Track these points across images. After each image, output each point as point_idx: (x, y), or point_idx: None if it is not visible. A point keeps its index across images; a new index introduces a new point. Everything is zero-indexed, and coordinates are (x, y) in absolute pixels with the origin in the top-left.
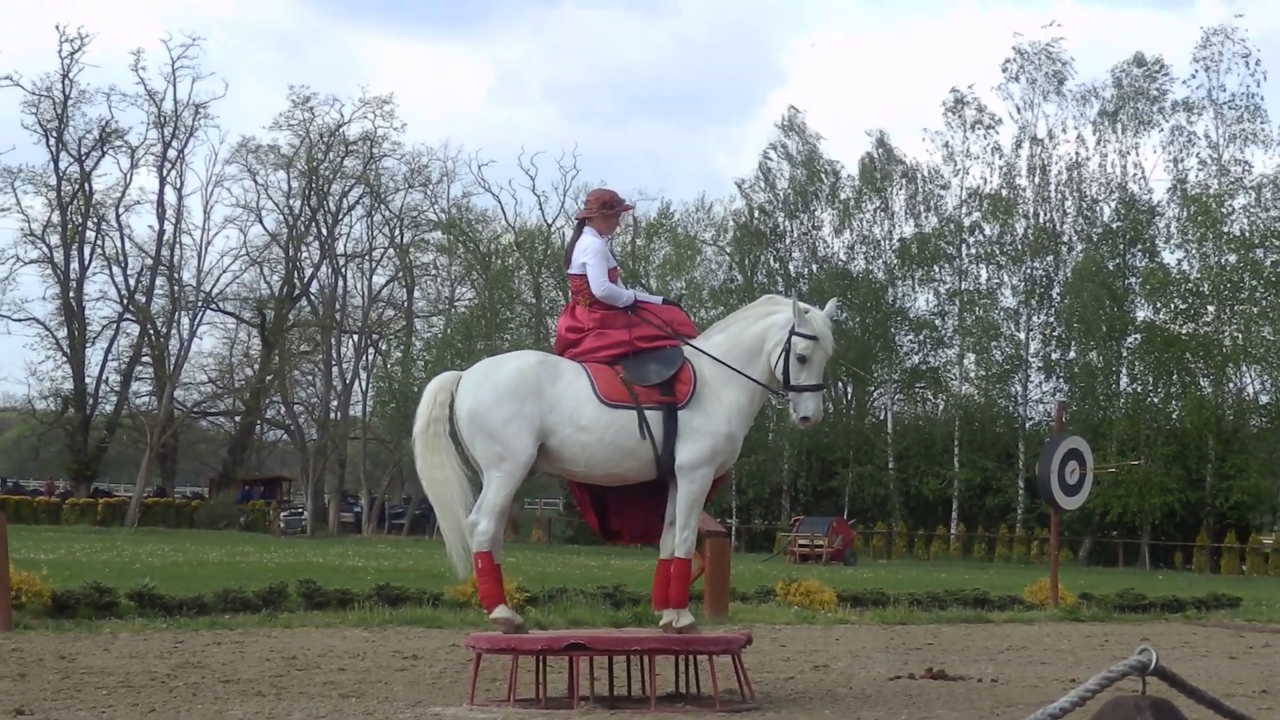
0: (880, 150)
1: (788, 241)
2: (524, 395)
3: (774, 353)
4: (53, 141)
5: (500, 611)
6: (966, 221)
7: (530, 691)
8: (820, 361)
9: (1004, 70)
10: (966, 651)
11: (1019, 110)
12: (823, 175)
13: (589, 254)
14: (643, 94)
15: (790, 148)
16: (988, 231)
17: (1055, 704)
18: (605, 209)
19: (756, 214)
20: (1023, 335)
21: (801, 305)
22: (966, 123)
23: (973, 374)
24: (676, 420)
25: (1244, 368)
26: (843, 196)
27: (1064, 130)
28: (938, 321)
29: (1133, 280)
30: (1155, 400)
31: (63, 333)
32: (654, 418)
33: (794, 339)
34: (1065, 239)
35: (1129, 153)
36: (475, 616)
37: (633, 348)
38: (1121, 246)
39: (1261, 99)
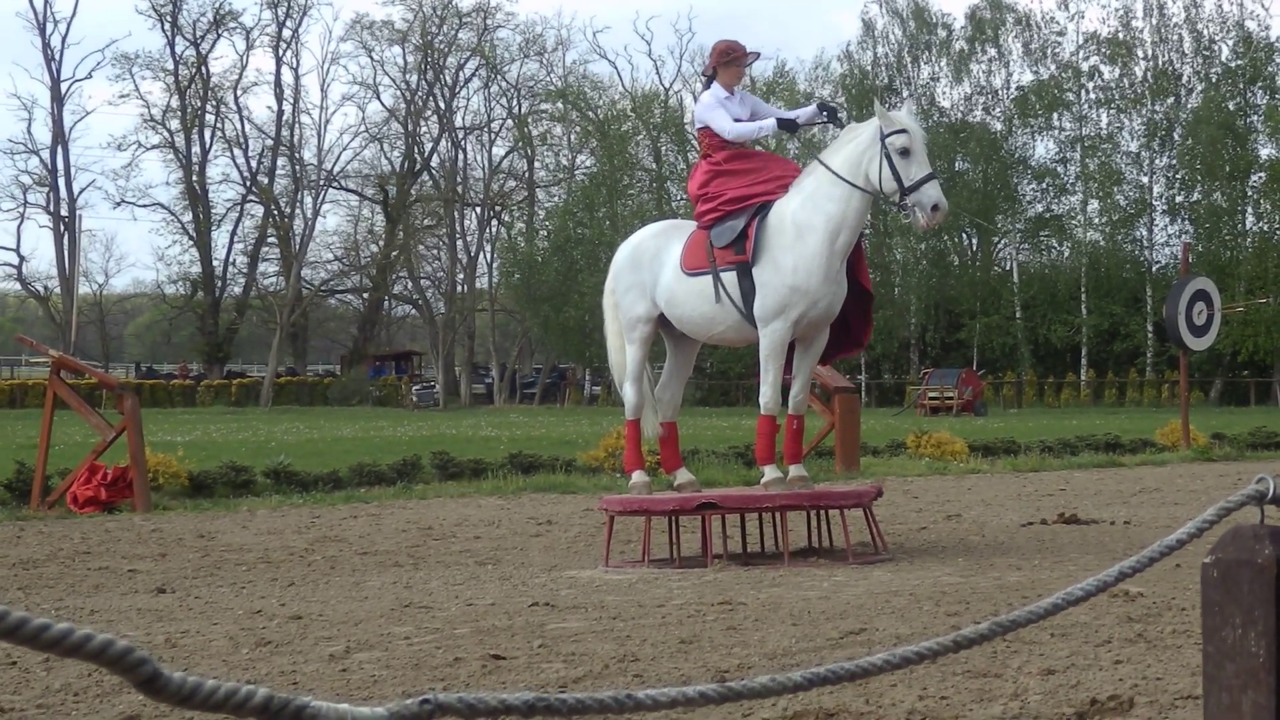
0: (988, 1)
1: (905, 95)
2: (639, 265)
3: (872, 167)
4: (168, 26)
5: (636, 476)
6: (1085, 66)
7: (664, 552)
8: (921, 150)
9: None
10: (1099, 496)
11: None
12: (934, 27)
13: (702, 109)
14: None
15: (897, 2)
16: (1106, 76)
17: (1173, 535)
18: (725, 59)
19: (868, 70)
20: (1146, 179)
21: (883, 110)
22: None
23: (1097, 220)
24: (752, 278)
25: None
26: (956, 48)
27: None
28: (1059, 169)
29: (1255, 119)
30: None
31: (188, 217)
32: (729, 278)
33: (888, 140)
34: (1185, 80)
35: None
36: (608, 481)
37: (721, 212)
38: (1242, 85)
39: None
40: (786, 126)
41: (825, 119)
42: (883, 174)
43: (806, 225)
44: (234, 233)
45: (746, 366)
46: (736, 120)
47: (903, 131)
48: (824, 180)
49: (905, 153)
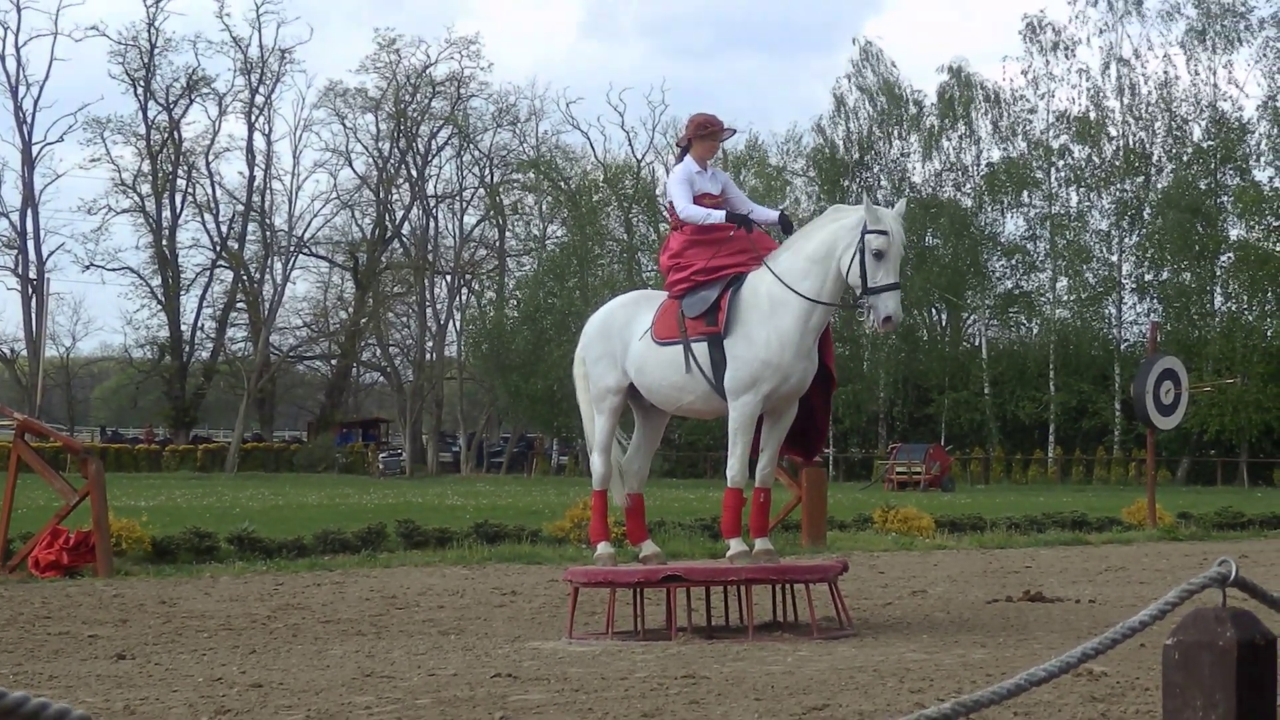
0: (958, 80)
1: (875, 170)
2: (609, 335)
3: (845, 256)
4: (140, 91)
5: (602, 548)
6: (1055, 145)
7: (629, 624)
8: (896, 258)
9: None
10: (1065, 573)
11: (1100, 33)
12: (905, 103)
13: (669, 181)
14: (735, 26)
15: (868, 79)
16: (1076, 154)
17: (1135, 617)
18: (701, 131)
19: (840, 145)
20: (1115, 257)
21: (872, 205)
22: (1045, 47)
23: (1066, 297)
24: (723, 350)
25: None
26: (927, 124)
27: (1149, 49)
28: (1029, 246)
29: (1225, 199)
30: (1250, 318)
31: (157, 281)
32: (700, 349)
33: (867, 237)
34: (1155, 160)
35: (1217, 71)
36: (574, 552)
37: (692, 282)
38: (1213, 165)
39: None
40: (738, 221)
41: (780, 227)
42: (851, 265)
43: (781, 299)
44: (203, 297)
45: (715, 438)
46: (704, 195)
47: (884, 233)
48: (798, 257)
49: (879, 255)
